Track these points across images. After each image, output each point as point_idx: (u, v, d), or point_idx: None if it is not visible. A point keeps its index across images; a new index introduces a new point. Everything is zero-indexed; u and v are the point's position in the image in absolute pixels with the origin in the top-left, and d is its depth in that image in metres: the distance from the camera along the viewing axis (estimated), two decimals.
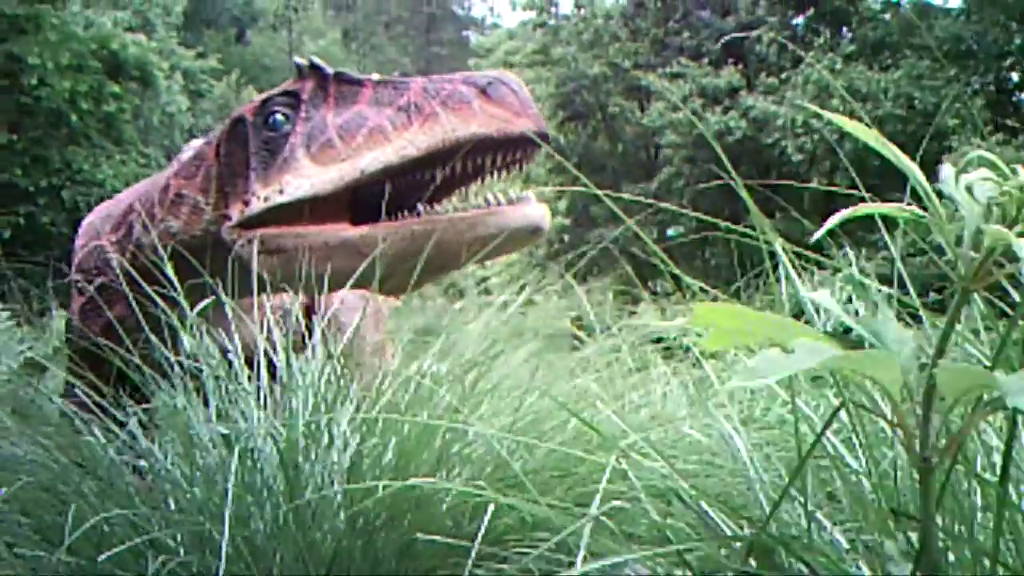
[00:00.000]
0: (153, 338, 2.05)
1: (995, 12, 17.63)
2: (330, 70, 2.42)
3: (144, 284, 2.24)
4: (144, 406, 2.04)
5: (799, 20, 20.96)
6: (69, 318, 3.07)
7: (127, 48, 16.77)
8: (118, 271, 2.82)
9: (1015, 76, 18.75)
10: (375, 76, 2.41)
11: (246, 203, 2.38)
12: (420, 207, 2.25)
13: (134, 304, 2.31)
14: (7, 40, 14.84)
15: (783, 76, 19.48)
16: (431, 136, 2.20)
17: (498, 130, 2.17)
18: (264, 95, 2.49)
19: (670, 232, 23.42)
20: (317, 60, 2.45)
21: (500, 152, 2.22)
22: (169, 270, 2.19)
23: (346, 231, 2.29)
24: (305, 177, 2.31)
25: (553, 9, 24.18)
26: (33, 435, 1.90)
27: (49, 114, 15.32)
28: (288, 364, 1.82)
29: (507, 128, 2.17)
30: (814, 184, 17.99)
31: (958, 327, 1.76)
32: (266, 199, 2.34)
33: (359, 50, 44.25)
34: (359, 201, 2.32)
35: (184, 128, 23.94)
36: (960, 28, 17.85)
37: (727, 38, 19.08)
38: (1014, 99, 19.10)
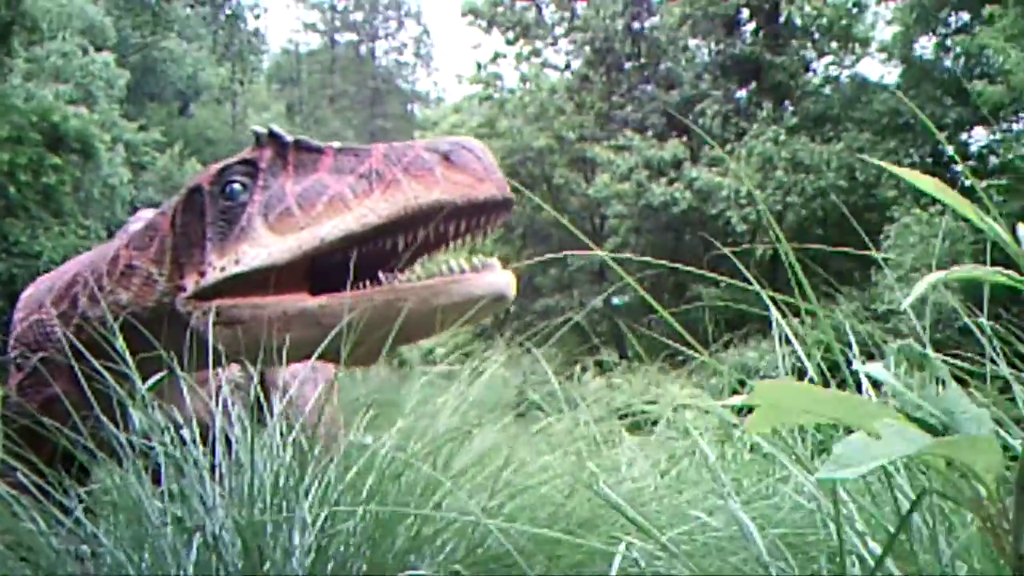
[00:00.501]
0: (100, 415, 1.95)
1: (931, 87, 18.21)
2: (289, 138, 2.35)
3: (91, 358, 2.14)
4: (89, 488, 1.93)
5: (742, 93, 21.45)
6: (6, 394, 2.93)
7: (68, 120, 16.60)
8: (61, 345, 2.71)
9: (950, 149, 19.28)
10: (335, 144, 2.35)
11: (202, 274, 2.29)
12: (382, 276, 2.18)
13: (80, 379, 2.21)
14: None
15: (727, 148, 19.85)
16: (393, 204, 2.13)
17: (461, 196, 2.11)
18: (221, 163, 2.41)
19: (615, 301, 23.57)
20: (276, 128, 2.38)
21: (464, 219, 2.16)
22: (119, 343, 2.10)
23: (305, 301, 2.20)
24: (263, 246, 2.23)
25: (499, 83, 24.48)
26: None
27: None
28: (246, 440, 1.72)
29: (471, 194, 2.11)
30: (758, 253, 18.23)
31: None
32: (222, 269, 2.26)
33: (304, 123, 44.32)
34: (319, 271, 2.25)
35: (125, 200, 23.68)
36: (897, 103, 18.38)
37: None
38: (950, 171, 19.63)
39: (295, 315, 2.19)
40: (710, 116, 20.37)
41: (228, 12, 17.52)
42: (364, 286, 2.17)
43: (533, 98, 22.76)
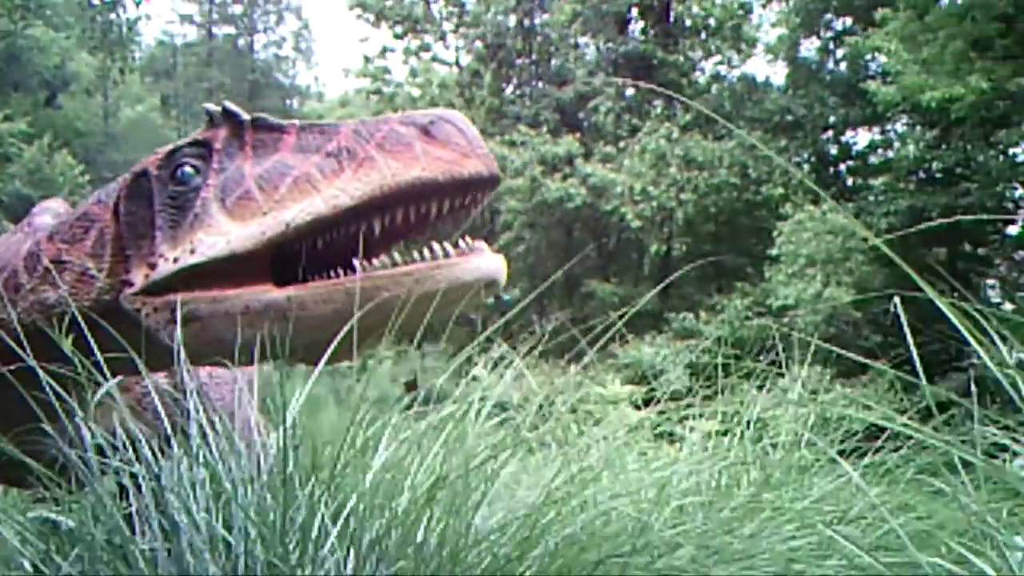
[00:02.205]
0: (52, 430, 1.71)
1: (818, 88, 18.72)
2: (245, 116, 2.13)
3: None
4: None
5: (632, 91, 21.63)
6: None
7: None
8: None
9: (834, 149, 19.90)
10: (297, 122, 2.14)
11: (152, 266, 2.04)
12: (357, 264, 1.97)
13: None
14: None
15: (620, 145, 19.97)
16: (367, 183, 1.93)
17: (444, 173, 1.92)
18: (170, 146, 2.17)
19: (505, 298, 23.55)
20: (230, 106, 2.15)
21: (448, 198, 1.97)
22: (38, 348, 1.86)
23: (270, 293, 1.98)
24: (221, 234, 2.00)
25: (387, 77, 24.16)
26: None
27: None
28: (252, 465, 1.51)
29: (455, 171, 1.92)
30: (653, 249, 18.48)
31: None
32: (175, 260, 2.02)
33: (180, 116, 43.01)
34: (283, 260, 2.03)
35: None
36: (788, 102, 18.84)
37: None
38: (835, 169, 20.24)
39: (259, 309, 1.97)
40: (603, 113, 20.49)
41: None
42: (336, 275, 1.97)
43: (423, 93, 22.52)
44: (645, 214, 18.41)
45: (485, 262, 1.96)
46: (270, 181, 2.00)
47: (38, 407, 1.92)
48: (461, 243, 1.98)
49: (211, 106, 2.18)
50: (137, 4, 17.35)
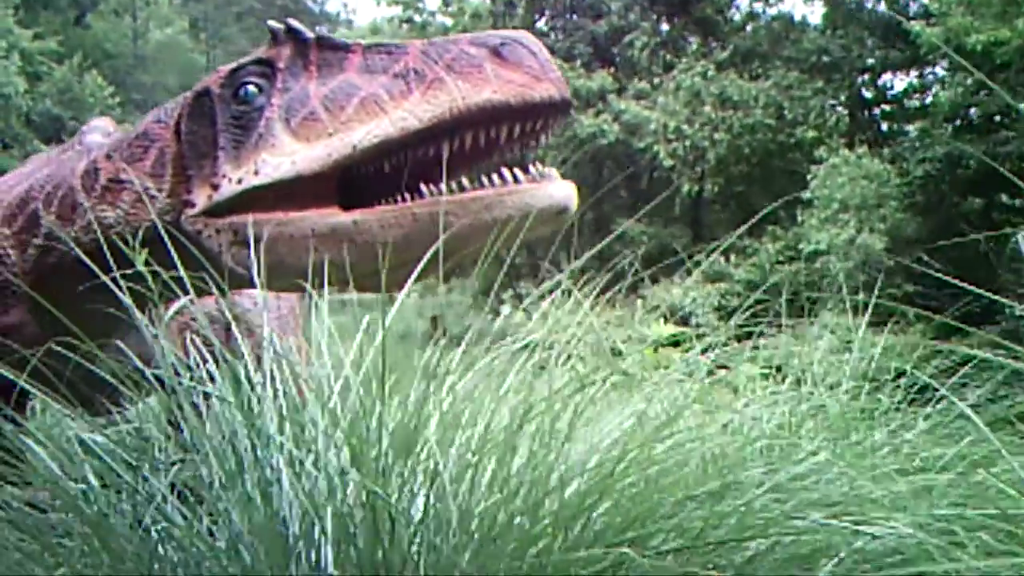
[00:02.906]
0: (124, 346, 1.69)
1: (857, 29, 18.33)
2: (310, 34, 2.10)
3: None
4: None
5: (667, 27, 21.29)
6: None
7: None
8: (16, 268, 2.41)
9: (869, 93, 19.49)
10: (363, 41, 2.09)
11: (215, 187, 2.03)
12: (424, 189, 1.93)
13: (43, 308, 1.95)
14: None
15: (655, 81, 19.67)
16: (436, 105, 1.89)
17: (516, 96, 1.88)
18: (232, 64, 2.14)
19: None
20: (295, 23, 2.11)
21: (519, 122, 1.93)
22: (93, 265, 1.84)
23: (336, 216, 1.96)
24: (285, 155, 1.97)
25: (420, 5, 23.89)
26: None
27: None
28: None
29: (527, 94, 1.88)
30: (684, 189, 18.30)
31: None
32: (239, 181, 2.00)
33: (209, 40, 42.71)
34: (348, 184, 1.99)
35: (21, 111, 22.58)
36: (827, 42, 18.47)
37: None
38: (869, 113, 19.91)
39: (325, 233, 1.95)
40: (638, 48, 20.17)
41: None
42: (403, 200, 1.93)
43: (455, 23, 22.21)
44: (678, 153, 18.19)
45: (557, 189, 1.92)
46: (336, 102, 1.98)
47: (99, 325, 1.91)
48: (531, 169, 1.94)
49: (274, 24, 2.15)
50: None
